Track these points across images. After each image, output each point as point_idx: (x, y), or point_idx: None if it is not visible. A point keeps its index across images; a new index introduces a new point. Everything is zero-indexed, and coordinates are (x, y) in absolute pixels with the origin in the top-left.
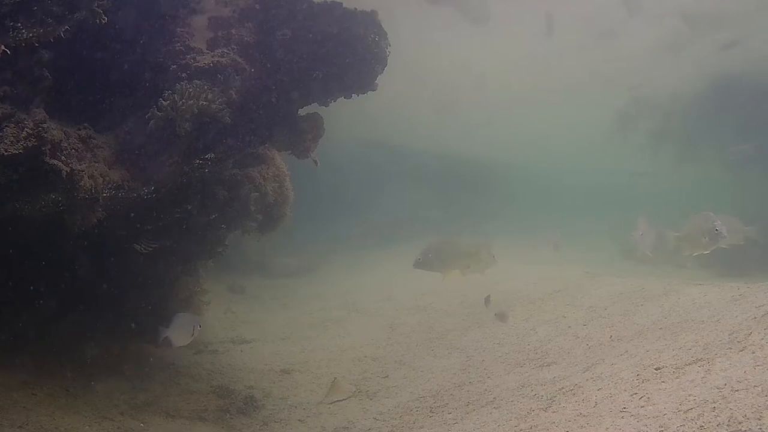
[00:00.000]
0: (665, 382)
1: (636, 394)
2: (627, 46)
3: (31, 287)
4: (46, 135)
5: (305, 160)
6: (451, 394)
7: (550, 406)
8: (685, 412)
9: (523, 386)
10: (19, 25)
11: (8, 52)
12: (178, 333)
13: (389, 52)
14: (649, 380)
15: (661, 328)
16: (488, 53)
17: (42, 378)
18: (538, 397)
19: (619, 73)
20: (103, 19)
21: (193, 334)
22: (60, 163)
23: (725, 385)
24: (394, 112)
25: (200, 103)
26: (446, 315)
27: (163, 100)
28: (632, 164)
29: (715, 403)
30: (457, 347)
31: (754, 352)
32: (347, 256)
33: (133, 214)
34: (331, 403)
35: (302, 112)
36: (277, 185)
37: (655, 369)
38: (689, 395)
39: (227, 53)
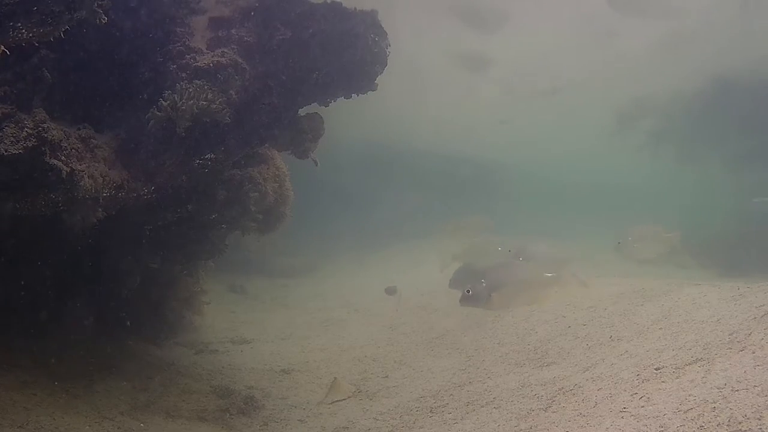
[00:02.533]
0: (665, 382)
1: (636, 394)
2: (627, 46)
3: (31, 287)
4: (46, 135)
5: (305, 160)
6: (451, 394)
7: (550, 406)
8: (685, 412)
9: (523, 386)
10: (19, 25)
11: (8, 52)
12: None
13: (389, 51)
14: (649, 380)
15: (661, 328)
16: (489, 53)
17: (42, 378)
18: (538, 397)
19: (620, 73)
20: (104, 19)
21: None
22: (60, 163)
23: (725, 385)
24: (394, 112)
25: (200, 103)
26: (446, 315)
27: (163, 100)
28: (632, 165)
29: (715, 403)
30: (457, 347)
31: (754, 352)
32: (347, 256)
33: (133, 214)
34: (331, 403)
35: (302, 112)
36: (277, 185)
37: (655, 369)
38: (689, 395)
39: (227, 53)
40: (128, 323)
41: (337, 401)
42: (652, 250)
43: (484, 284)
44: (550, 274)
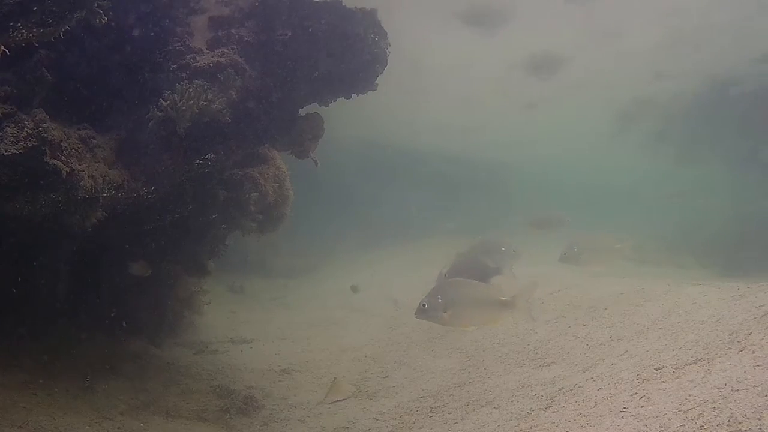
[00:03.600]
0: (665, 382)
1: (636, 394)
2: (628, 46)
3: (31, 287)
4: (46, 135)
5: (305, 160)
6: (451, 394)
7: (550, 406)
8: (685, 412)
9: (523, 386)
10: (19, 25)
11: (8, 52)
12: None
13: (389, 51)
14: (649, 380)
15: (661, 328)
16: (489, 53)
17: (42, 378)
18: (538, 397)
19: (620, 73)
20: (103, 19)
21: None
22: (60, 163)
23: (725, 385)
24: (394, 112)
25: (200, 103)
26: None
27: (163, 100)
28: (632, 165)
29: (715, 403)
30: (457, 347)
31: (754, 352)
32: (347, 256)
33: (133, 214)
34: (331, 403)
35: (302, 112)
36: (277, 185)
37: (655, 369)
38: (689, 395)
39: (227, 53)
40: (126, 323)
41: (337, 401)
42: (599, 260)
43: (440, 300)
44: (504, 298)
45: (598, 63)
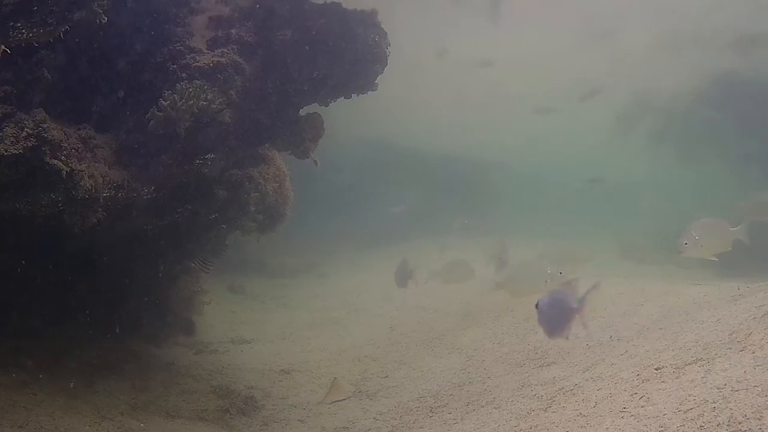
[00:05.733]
0: (665, 382)
1: (636, 394)
2: (627, 46)
3: (31, 287)
4: (46, 135)
5: (305, 160)
6: (451, 394)
7: (550, 406)
8: (685, 412)
9: (523, 386)
10: (19, 25)
11: (8, 52)
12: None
13: (389, 51)
14: (649, 380)
15: (661, 328)
16: (488, 53)
17: (42, 378)
18: (538, 397)
19: (620, 73)
20: (103, 19)
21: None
22: (60, 163)
23: (725, 385)
24: (394, 112)
25: (200, 103)
26: (446, 315)
27: (163, 100)
28: (632, 165)
29: (715, 403)
30: (457, 347)
31: (754, 352)
32: (347, 256)
33: (133, 214)
34: (331, 403)
35: (302, 112)
36: (277, 185)
37: (655, 369)
38: (689, 395)
39: (227, 53)
40: (125, 323)
41: (337, 401)
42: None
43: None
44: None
45: (597, 62)
